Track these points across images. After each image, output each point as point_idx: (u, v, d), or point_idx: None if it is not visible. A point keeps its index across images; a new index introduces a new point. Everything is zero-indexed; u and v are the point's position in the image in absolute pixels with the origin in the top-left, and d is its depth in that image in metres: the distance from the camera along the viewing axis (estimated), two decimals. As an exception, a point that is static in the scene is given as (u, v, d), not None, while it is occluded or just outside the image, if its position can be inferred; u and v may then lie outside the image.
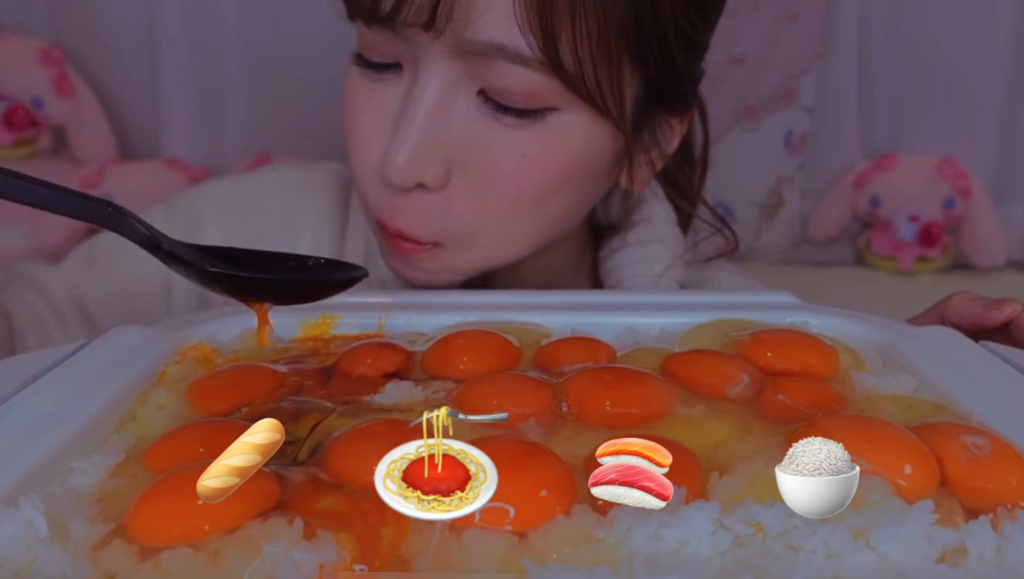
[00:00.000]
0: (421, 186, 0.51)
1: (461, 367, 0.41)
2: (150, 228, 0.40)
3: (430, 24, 0.47)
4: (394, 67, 0.52)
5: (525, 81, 0.48)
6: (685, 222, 0.68)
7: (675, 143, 0.59)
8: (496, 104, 0.50)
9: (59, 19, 1.22)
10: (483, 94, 0.50)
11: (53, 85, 1.19)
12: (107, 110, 1.24)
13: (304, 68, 1.19)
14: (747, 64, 1.28)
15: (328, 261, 0.45)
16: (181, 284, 0.65)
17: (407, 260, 0.55)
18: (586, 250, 0.67)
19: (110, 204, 0.39)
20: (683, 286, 0.65)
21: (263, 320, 0.43)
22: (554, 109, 0.50)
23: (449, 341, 0.44)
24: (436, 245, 0.54)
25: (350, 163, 0.55)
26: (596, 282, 0.67)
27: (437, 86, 0.49)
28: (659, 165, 0.59)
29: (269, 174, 0.70)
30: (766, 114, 1.33)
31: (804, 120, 1.34)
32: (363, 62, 0.53)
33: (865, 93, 1.34)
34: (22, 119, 1.19)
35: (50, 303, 0.63)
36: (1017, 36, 1.29)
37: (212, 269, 0.41)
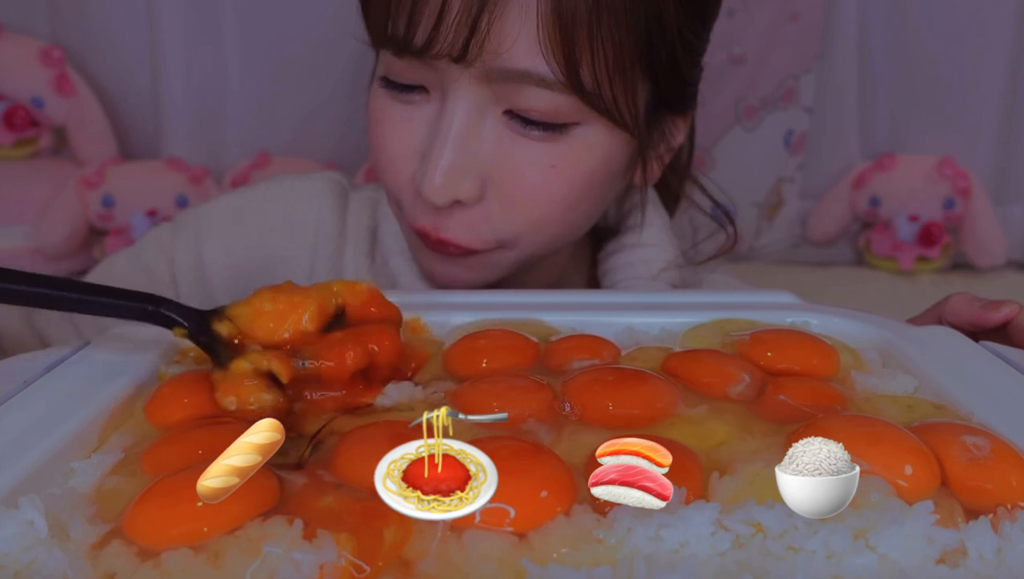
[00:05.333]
0: (458, 202, 0.54)
1: (484, 365, 0.42)
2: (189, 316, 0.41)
3: (461, 57, 0.50)
4: (420, 89, 0.54)
5: (549, 102, 0.51)
6: (672, 204, 0.71)
7: (680, 137, 0.62)
8: (522, 121, 0.52)
9: (59, 19, 1.22)
10: (509, 113, 0.53)
11: (53, 85, 1.19)
12: (107, 110, 1.24)
13: (304, 68, 1.19)
14: (747, 64, 1.28)
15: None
16: (187, 290, 0.67)
17: (450, 259, 0.57)
18: (585, 251, 0.69)
19: (150, 299, 0.40)
20: (676, 289, 0.67)
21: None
22: (576, 123, 0.53)
23: (472, 340, 0.44)
24: (488, 251, 0.56)
25: (383, 181, 0.58)
26: (593, 282, 0.69)
27: (466, 109, 0.52)
28: (667, 159, 0.62)
29: (269, 184, 0.72)
30: (766, 114, 1.33)
31: (804, 120, 1.34)
32: (390, 84, 0.55)
33: (865, 93, 1.34)
34: (22, 119, 1.19)
35: (75, 328, 0.65)
36: (1017, 36, 1.29)
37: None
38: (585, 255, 0.69)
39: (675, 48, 0.54)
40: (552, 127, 0.52)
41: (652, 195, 0.68)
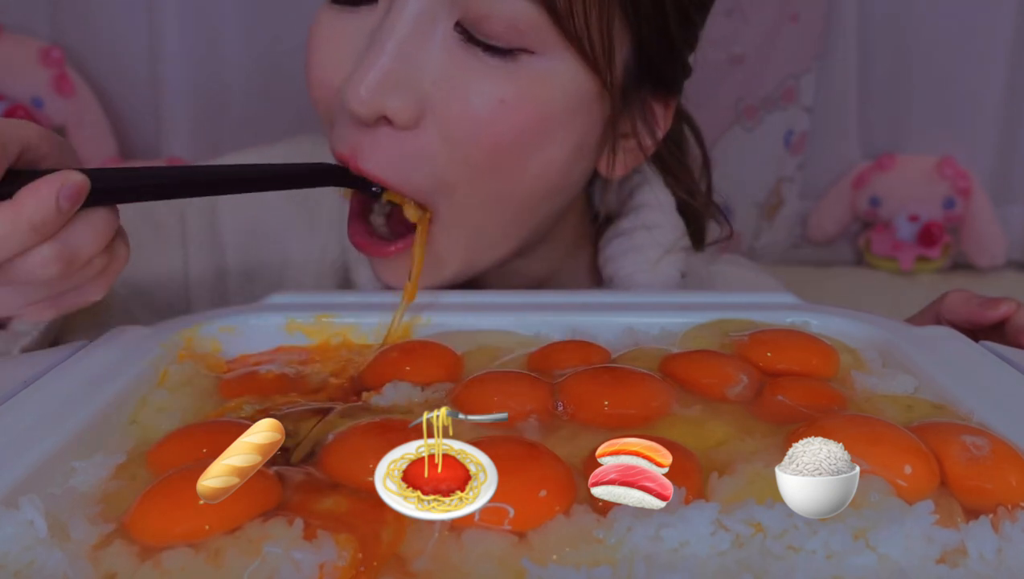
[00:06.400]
0: (387, 121, 0.47)
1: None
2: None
3: None
4: (369, 1, 0.48)
5: (508, 9, 0.45)
6: (686, 212, 0.65)
7: (662, 128, 0.57)
8: (473, 38, 0.46)
9: (59, 19, 1.22)
10: (460, 27, 0.47)
11: (53, 85, 1.19)
12: (107, 110, 1.24)
13: (304, 68, 1.19)
14: (747, 64, 1.28)
15: None
16: (196, 261, 0.65)
17: (392, 263, 0.52)
18: (584, 240, 0.65)
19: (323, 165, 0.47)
20: (684, 274, 0.63)
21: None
22: (532, 52, 0.47)
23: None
24: (417, 208, 0.50)
25: (314, 104, 0.52)
26: (595, 271, 0.65)
27: (414, 12, 0.46)
28: (648, 153, 0.57)
29: (289, 146, 0.68)
30: (766, 114, 1.33)
31: (804, 120, 1.34)
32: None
33: (865, 93, 1.34)
34: (22, 119, 1.19)
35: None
36: (1017, 36, 1.29)
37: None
38: (584, 245, 0.66)
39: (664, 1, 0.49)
40: (506, 52, 0.46)
41: (655, 175, 0.64)
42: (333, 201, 0.65)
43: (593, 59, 0.48)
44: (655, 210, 0.62)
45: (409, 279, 0.48)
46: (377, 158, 0.48)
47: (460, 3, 0.46)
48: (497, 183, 0.50)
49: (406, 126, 0.47)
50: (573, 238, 0.63)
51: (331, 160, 0.51)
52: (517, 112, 0.47)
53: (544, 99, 0.48)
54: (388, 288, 0.54)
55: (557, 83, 0.48)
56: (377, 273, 0.54)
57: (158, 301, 0.64)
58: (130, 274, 0.63)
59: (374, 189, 0.49)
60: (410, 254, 0.50)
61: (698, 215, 0.66)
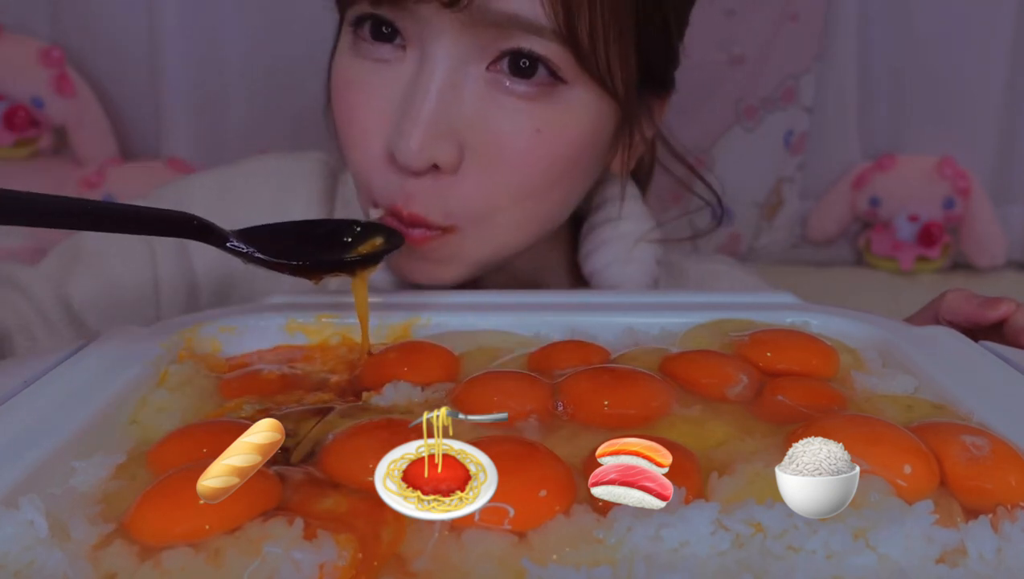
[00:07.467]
0: (434, 168, 0.50)
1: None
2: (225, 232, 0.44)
3: (454, 2, 0.46)
4: (395, 42, 0.50)
5: (538, 47, 0.48)
6: (645, 178, 0.68)
7: (657, 123, 0.60)
8: (505, 77, 0.49)
9: (59, 19, 1.22)
10: (492, 69, 0.49)
11: (53, 85, 1.19)
12: (107, 110, 1.24)
13: (304, 68, 1.19)
14: (747, 64, 1.28)
15: (362, 225, 0.48)
16: (169, 282, 0.65)
17: (415, 251, 0.53)
18: (562, 238, 0.67)
19: (194, 217, 0.42)
20: (659, 262, 0.65)
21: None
22: (560, 85, 0.49)
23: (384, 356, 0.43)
24: (448, 230, 0.52)
25: (350, 155, 0.54)
26: (575, 267, 0.67)
27: (448, 62, 0.48)
28: (642, 149, 0.60)
29: (256, 163, 0.69)
30: (766, 114, 1.33)
31: (804, 120, 1.34)
32: (360, 38, 0.51)
33: (865, 93, 1.34)
34: (22, 119, 1.19)
35: (34, 303, 0.61)
36: (1017, 36, 1.29)
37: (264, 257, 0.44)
38: (563, 241, 0.67)
39: (669, 17, 0.52)
40: (540, 82, 0.49)
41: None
42: (306, 207, 0.66)
43: (614, 88, 0.51)
44: (629, 201, 0.64)
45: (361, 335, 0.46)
46: (423, 203, 0.51)
47: (491, 47, 0.48)
48: (528, 206, 0.53)
49: (452, 171, 0.50)
50: (555, 236, 0.64)
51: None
52: (552, 141, 0.50)
53: (574, 126, 0.51)
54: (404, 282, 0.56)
55: (583, 110, 0.51)
56: (397, 265, 0.56)
57: (130, 318, 0.63)
58: (100, 293, 0.63)
59: (242, 249, 0.44)
60: (437, 244, 0.52)
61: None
